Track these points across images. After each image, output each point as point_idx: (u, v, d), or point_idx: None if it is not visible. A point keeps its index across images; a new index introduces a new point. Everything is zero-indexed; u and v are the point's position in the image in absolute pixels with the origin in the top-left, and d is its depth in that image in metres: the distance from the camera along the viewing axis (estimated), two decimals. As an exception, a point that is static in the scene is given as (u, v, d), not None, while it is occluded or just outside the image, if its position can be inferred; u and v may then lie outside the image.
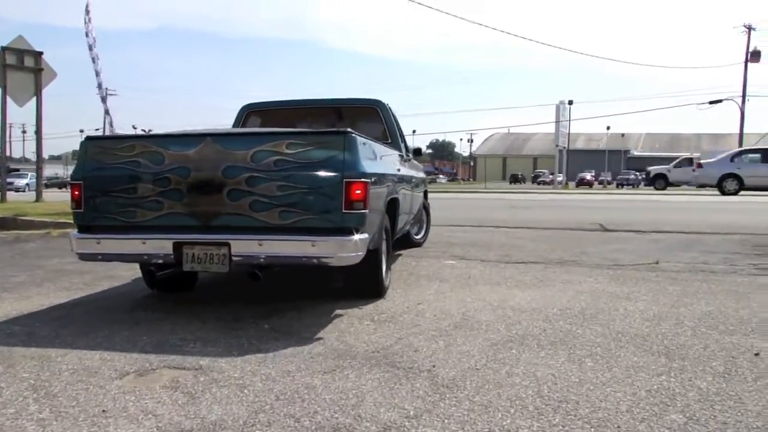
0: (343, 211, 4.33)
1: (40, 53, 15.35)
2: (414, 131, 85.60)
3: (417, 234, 8.93)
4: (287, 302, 4.98)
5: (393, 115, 7.23)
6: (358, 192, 4.35)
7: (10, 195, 24.58)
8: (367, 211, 4.42)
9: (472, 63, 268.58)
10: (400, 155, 6.91)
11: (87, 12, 13.64)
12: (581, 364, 3.32)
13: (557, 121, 52.80)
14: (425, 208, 9.12)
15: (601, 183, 63.72)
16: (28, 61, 15.35)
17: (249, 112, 7.44)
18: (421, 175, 8.62)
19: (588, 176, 62.63)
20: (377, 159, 5.11)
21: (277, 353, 3.57)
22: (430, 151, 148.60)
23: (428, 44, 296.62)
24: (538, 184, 67.19)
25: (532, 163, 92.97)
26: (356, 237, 4.35)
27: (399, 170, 6.41)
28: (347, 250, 4.33)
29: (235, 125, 7.34)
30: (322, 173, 4.35)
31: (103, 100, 13.73)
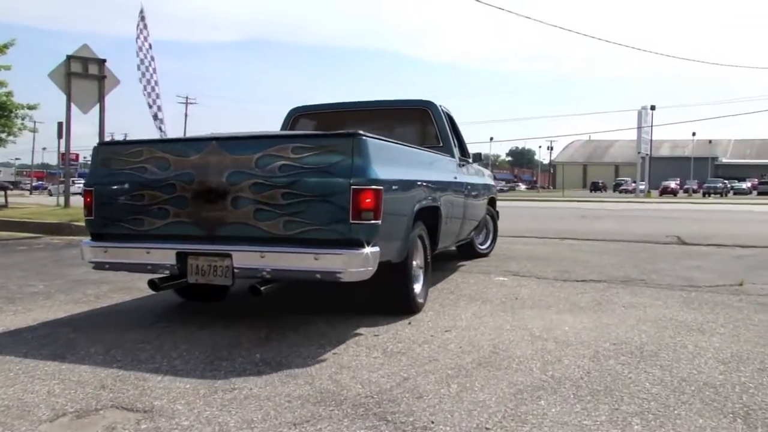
0: (351, 221, 3.78)
1: (104, 61, 15.44)
2: (491, 138, 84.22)
3: (482, 244, 8.29)
4: (300, 321, 4.40)
5: (446, 118, 6.58)
6: (368, 200, 3.78)
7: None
8: (378, 221, 3.83)
9: (553, 69, 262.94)
10: (451, 160, 6.26)
11: (142, 18, 13.56)
12: (625, 427, 2.53)
13: (639, 127, 50.56)
14: (492, 216, 8.43)
15: (686, 191, 60.46)
16: (92, 69, 15.46)
17: (297, 116, 7.00)
18: (485, 181, 7.91)
19: (672, 184, 59.38)
20: (401, 164, 4.48)
21: (250, 393, 2.95)
22: (509, 158, 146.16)
23: (507, 51, 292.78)
24: (620, 192, 64.42)
25: (614, 170, 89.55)
26: (366, 250, 3.78)
27: (446, 176, 5.78)
28: (354, 264, 3.77)
29: (282, 129, 6.89)
30: (328, 179, 3.83)
31: (150, 106, 13.59)
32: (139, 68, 13.79)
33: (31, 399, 2.90)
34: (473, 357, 3.55)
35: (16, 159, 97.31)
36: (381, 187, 3.84)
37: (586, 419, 2.61)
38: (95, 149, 4.60)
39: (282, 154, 3.94)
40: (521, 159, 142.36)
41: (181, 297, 5.24)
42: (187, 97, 66.69)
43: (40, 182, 76.33)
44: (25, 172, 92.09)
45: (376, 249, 3.84)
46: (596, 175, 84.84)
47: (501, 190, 71.30)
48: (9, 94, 15.87)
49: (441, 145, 6.39)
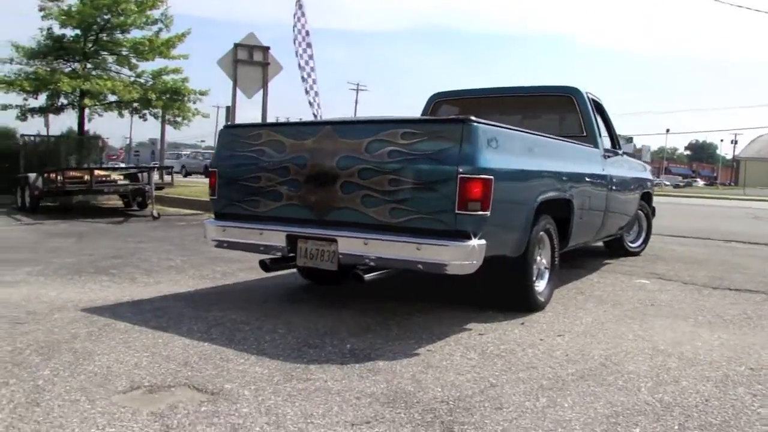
0: (457, 211, 3.54)
1: (268, 48, 16.09)
2: (668, 130, 78.78)
3: (633, 242, 7.71)
4: (410, 312, 4.28)
5: (592, 105, 6.08)
6: (476, 190, 3.54)
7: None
8: (486, 213, 3.58)
9: (737, 51, 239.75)
10: (593, 150, 5.79)
11: (299, 7, 13.96)
12: (733, 473, 2.11)
13: (843, 121, 44.69)
14: (645, 213, 7.78)
15: None
16: (257, 56, 16.14)
17: (438, 101, 6.84)
18: (637, 174, 7.25)
19: None
20: (520, 152, 4.16)
21: (323, 385, 2.83)
22: (687, 152, 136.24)
23: (686, 34, 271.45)
24: (816, 193, 57.45)
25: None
26: (472, 243, 3.55)
27: (584, 167, 5.34)
28: (458, 257, 3.57)
29: (422, 115, 6.79)
30: (435, 167, 3.64)
31: (307, 92, 14.00)
32: (296, 55, 14.27)
33: (118, 369, 2.98)
34: (577, 368, 3.18)
35: (202, 141, 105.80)
36: (491, 177, 3.57)
37: (686, 458, 2.20)
38: (221, 132, 4.74)
39: (392, 140, 3.79)
40: (701, 153, 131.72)
41: (305, 279, 5.29)
42: (357, 84, 68.25)
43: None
44: (209, 154, 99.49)
45: (483, 242, 3.59)
46: (788, 173, 76.34)
47: (677, 186, 66.45)
48: (185, 80, 17.08)
49: (584, 134, 5.92)
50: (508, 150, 4.00)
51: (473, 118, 3.66)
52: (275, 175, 4.26)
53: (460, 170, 3.53)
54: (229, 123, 4.83)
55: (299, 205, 4.18)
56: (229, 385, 2.80)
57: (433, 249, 3.61)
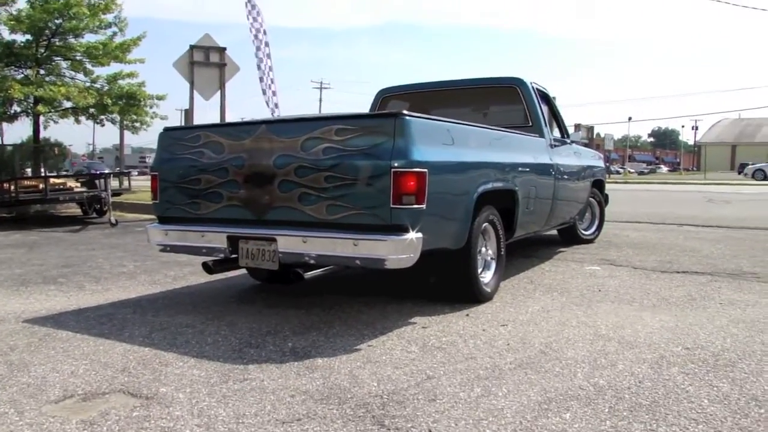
0: (392, 206, 3.55)
1: (224, 49, 15.95)
2: (630, 118, 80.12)
3: (586, 230, 7.80)
4: (356, 309, 4.28)
5: (537, 96, 6.15)
6: (411, 184, 3.54)
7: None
8: (422, 206, 3.58)
9: (697, 39, 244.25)
10: (538, 140, 5.85)
11: (253, 7, 13.87)
12: (652, 452, 2.14)
13: (797, 104, 45.78)
14: (598, 201, 7.88)
15: None
16: (213, 57, 15.99)
17: (385, 97, 6.84)
18: (586, 163, 7.33)
19: (837, 166, 53.26)
20: (457, 144, 4.18)
21: (259, 385, 2.82)
22: (651, 139, 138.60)
23: (646, 21, 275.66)
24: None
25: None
26: (409, 236, 3.57)
27: (529, 157, 5.39)
28: (394, 251, 3.56)
29: (370, 111, 6.77)
30: (369, 162, 3.65)
31: (264, 92, 13.94)
32: (256, 55, 14.17)
33: (53, 378, 2.94)
34: (516, 356, 3.22)
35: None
36: (425, 170, 3.59)
37: (610, 439, 2.24)
38: (160, 135, 4.67)
39: (326, 137, 3.79)
40: (664, 140, 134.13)
41: (255, 280, 5.27)
42: (321, 82, 67.88)
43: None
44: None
45: (420, 235, 3.60)
46: (746, 156, 78.07)
47: (641, 173, 67.45)
48: (141, 84, 16.81)
49: (530, 124, 5.98)
50: (444, 142, 4.02)
51: (405, 112, 3.68)
52: (215, 177, 4.24)
53: (394, 164, 3.54)
54: (167, 126, 4.78)
55: (239, 206, 4.16)
56: (164, 389, 2.77)
57: (370, 244, 3.61)
